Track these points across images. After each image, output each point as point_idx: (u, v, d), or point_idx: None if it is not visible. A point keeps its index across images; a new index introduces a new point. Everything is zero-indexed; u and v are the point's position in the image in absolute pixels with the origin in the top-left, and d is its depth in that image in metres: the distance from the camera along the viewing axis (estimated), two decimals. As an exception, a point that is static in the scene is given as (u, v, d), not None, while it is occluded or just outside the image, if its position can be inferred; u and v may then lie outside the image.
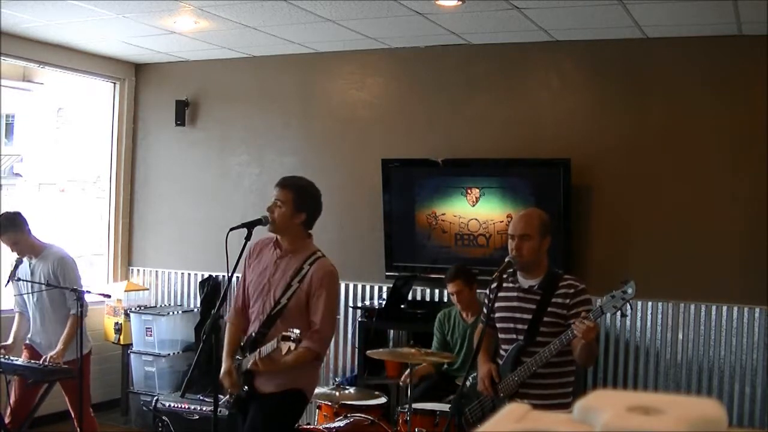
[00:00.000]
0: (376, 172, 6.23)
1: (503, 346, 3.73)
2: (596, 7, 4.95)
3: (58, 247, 5.08)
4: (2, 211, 5.01)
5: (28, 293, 5.00)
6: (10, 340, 5.05)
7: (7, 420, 4.90)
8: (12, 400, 4.94)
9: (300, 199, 3.74)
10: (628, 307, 3.41)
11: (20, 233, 4.84)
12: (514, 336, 3.64)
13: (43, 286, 4.87)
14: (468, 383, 3.92)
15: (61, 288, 4.85)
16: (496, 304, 3.73)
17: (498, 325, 3.74)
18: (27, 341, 5.08)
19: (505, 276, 3.69)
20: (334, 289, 3.81)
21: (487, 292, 3.82)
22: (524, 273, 3.67)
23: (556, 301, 3.56)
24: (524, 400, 3.49)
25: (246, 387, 3.76)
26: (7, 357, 4.90)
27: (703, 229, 5.48)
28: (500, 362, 3.72)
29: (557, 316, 3.55)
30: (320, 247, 3.90)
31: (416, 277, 6.13)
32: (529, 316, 3.59)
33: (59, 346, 4.82)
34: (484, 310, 3.85)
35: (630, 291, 3.37)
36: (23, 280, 4.94)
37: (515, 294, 3.66)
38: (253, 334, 3.75)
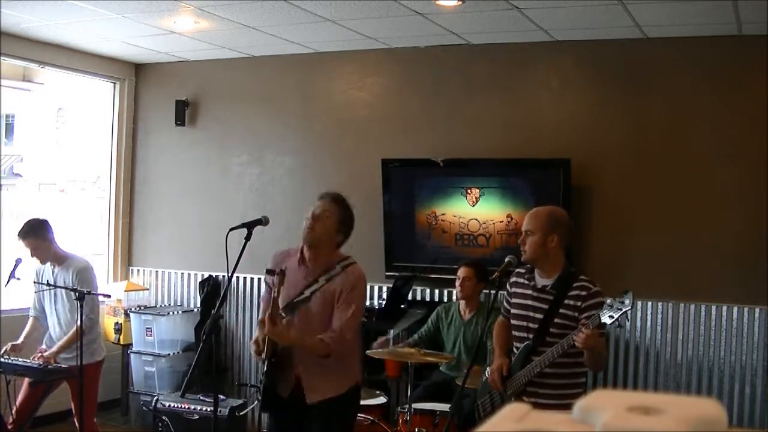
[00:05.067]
0: (376, 172, 6.23)
1: (516, 344, 3.73)
2: (596, 7, 4.95)
3: (80, 257, 5.18)
4: (31, 217, 5.10)
5: (46, 293, 5.05)
6: (20, 340, 5.08)
7: (11, 419, 4.91)
8: (19, 400, 4.96)
9: (344, 219, 3.68)
10: (625, 318, 3.39)
11: (41, 240, 4.92)
12: (526, 335, 3.64)
13: (64, 294, 4.96)
14: (485, 375, 3.94)
15: (64, 288, 4.88)
16: (513, 300, 3.74)
17: (512, 321, 3.75)
18: (43, 345, 5.12)
19: (523, 270, 3.70)
20: (362, 295, 3.79)
21: (507, 287, 3.84)
22: (539, 271, 3.65)
23: (568, 302, 3.53)
24: (533, 399, 3.50)
25: (273, 358, 3.65)
26: (7, 357, 4.92)
27: (703, 230, 5.48)
28: (512, 359, 3.72)
29: (568, 318, 3.52)
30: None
31: (416, 277, 6.13)
32: (541, 316, 3.58)
33: (54, 348, 4.91)
34: (505, 303, 3.85)
35: (627, 302, 3.35)
36: (41, 283, 5.00)
37: (530, 292, 3.65)
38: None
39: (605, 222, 5.76)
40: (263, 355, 3.65)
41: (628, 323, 5.63)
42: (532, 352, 3.59)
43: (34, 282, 5.08)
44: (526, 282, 3.68)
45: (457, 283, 5.20)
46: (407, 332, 5.60)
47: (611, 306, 3.38)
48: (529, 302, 3.64)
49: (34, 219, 5.03)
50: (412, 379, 4.65)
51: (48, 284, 4.98)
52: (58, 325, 5.06)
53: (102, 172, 7.53)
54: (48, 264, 5.03)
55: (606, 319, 3.36)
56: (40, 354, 4.95)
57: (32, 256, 4.97)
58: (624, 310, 3.35)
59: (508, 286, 3.82)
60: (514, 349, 3.74)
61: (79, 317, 4.68)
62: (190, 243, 7.12)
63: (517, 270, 3.74)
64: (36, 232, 4.92)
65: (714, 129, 5.48)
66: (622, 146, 5.72)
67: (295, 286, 3.67)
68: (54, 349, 4.88)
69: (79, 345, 4.67)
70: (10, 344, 5.01)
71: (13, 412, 4.93)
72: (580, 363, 3.56)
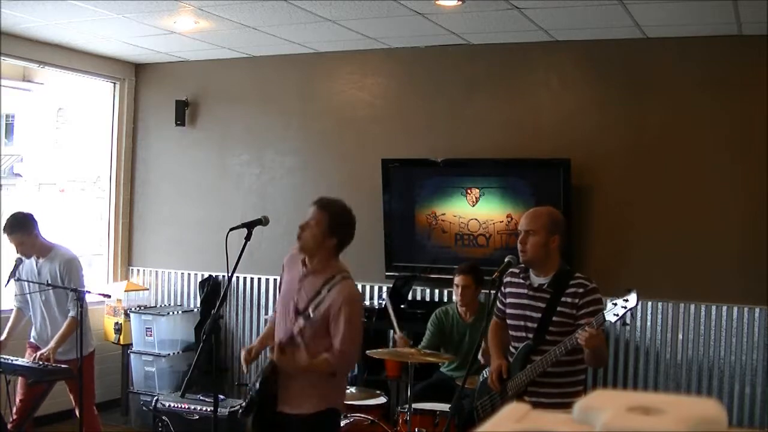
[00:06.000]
0: (376, 172, 6.23)
1: (513, 344, 3.71)
2: (596, 7, 4.95)
3: (66, 248, 5.13)
4: (15, 211, 5.05)
5: (31, 293, 5.02)
6: (3, 336, 5.06)
7: (13, 418, 4.91)
8: (18, 399, 4.96)
9: (334, 224, 3.59)
10: (629, 316, 3.39)
11: (27, 235, 4.88)
12: (524, 334, 3.62)
13: (50, 288, 4.91)
14: (483, 376, 3.93)
15: (63, 288, 4.86)
16: (508, 300, 3.73)
17: (509, 321, 3.73)
18: (31, 340, 5.11)
19: (517, 271, 3.69)
20: (353, 312, 3.62)
21: (490, 292, 3.82)
22: (535, 271, 3.64)
23: (565, 300, 3.52)
24: (533, 399, 3.48)
25: (259, 387, 3.65)
26: (7, 357, 4.91)
27: (703, 229, 5.48)
28: (510, 360, 3.71)
29: (566, 315, 3.51)
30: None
31: (416, 277, 6.13)
32: (539, 315, 3.56)
33: (51, 344, 4.85)
34: (498, 304, 3.83)
35: (631, 300, 3.34)
36: (27, 281, 4.96)
37: (525, 291, 3.63)
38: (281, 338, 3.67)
39: (605, 222, 5.76)
40: (261, 370, 3.69)
41: (631, 322, 5.63)
42: (532, 351, 3.58)
43: (17, 279, 4.99)
44: (521, 281, 3.66)
45: (457, 292, 5.18)
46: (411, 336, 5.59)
47: (615, 304, 3.37)
48: (525, 301, 3.63)
49: (18, 213, 4.97)
50: (412, 379, 4.65)
51: (43, 282, 4.92)
52: (43, 319, 5.02)
53: (102, 172, 7.52)
54: (31, 258, 4.97)
55: (611, 317, 3.36)
56: (38, 354, 4.91)
57: (18, 251, 4.92)
58: (629, 308, 3.34)
59: (501, 287, 3.79)
60: (512, 349, 3.73)
61: (78, 312, 4.68)
62: (190, 243, 7.12)
63: (509, 270, 3.71)
64: (22, 227, 4.87)
65: (714, 129, 5.48)
66: (622, 146, 5.72)
67: (293, 286, 3.68)
68: (52, 345, 4.85)
69: (78, 339, 4.68)
70: None
71: (14, 411, 4.92)
72: (580, 360, 3.54)
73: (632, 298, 3.35)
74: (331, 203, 3.66)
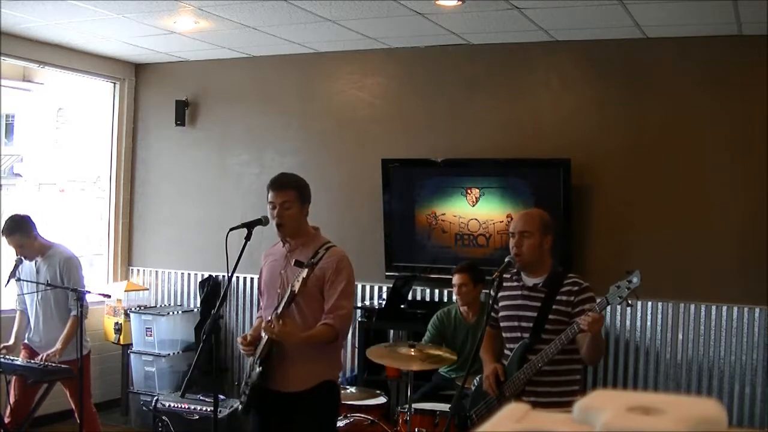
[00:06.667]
0: (376, 172, 6.23)
1: (508, 345, 3.70)
2: (596, 7, 4.95)
3: (64, 246, 5.13)
4: (11, 214, 5.04)
5: (31, 293, 5.01)
6: (11, 340, 5.06)
7: (7, 420, 4.90)
8: (12, 400, 4.95)
9: (302, 194, 3.74)
10: (635, 297, 3.40)
11: (26, 237, 4.88)
12: (519, 335, 3.62)
13: (48, 287, 4.90)
14: (474, 384, 3.91)
15: (63, 288, 4.86)
16: (501, 303, 3.72)
17: (502, 324, 3.73)
18: (26, 341, 5.10)
19: (508, 275, 3.69)
20: (349, 274, 3.72)
21: (491, 292, 3.81)
22: (527, 272, 3.65)
23: (560, 298, 3.53)
24: (531, 399, 3.48)
25: (260, 369, 3.66)
26: (7, 357, 4.91)
27: (703, 230, 5.48)
28: (506, 362, 3.70)
29: (561, 313, 3.52)
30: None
31: (416, 277, 6.13)
32: (534, 314, 3.57)
33: (58, 345, 4.84)
34: (492, 313, 3.82)
35: (635, 280, 3.35)
36: (26, 281, 4.96)
37: (519, 292, 3.64)
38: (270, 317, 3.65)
39: (605, 222, 5.76)
40: (257, 355, 3.67)
41: (628, 318, 5.63)
42: (528, 350, 3.58)
43: (17, 280, 4.99)
44: (515, 283, 3.68)
45: (455, 291, 5.17)
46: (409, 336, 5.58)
47: (619, 287, 3.38)
48: (520, 302, 3.63)
49: (15, 215, 4.97)
50: (412, 380, 4.64)
51: (42, 282, 4.92)
52: (37, 318, 5.01)
53: (102, 172, 7.52)
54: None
55: (615, 299, 3.37)
56: (44, 355, 4.89)
57: (18, 254, 4.92)
58: (632, 288, 3.35)
59: (492, 292, 3.78)
60: (507, 351, 3.71)
61: (79, 312, 4.67)
62: (190, 243, 7.12)
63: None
64: (21, 229, 4.86)
65: (714, 129, 5.48)
66: (622, 146, 5.72)
67: (279, 261, 3.78)
68: (58, 346, 4.85)
69: (78, 339, 4.67)
70: (3, 346, 4.99)
71: (8, 412, 4.91)
72: (576, 360, 3.55)
73: (636, 277, 3.35)
74: (286, 179, 3.80)
